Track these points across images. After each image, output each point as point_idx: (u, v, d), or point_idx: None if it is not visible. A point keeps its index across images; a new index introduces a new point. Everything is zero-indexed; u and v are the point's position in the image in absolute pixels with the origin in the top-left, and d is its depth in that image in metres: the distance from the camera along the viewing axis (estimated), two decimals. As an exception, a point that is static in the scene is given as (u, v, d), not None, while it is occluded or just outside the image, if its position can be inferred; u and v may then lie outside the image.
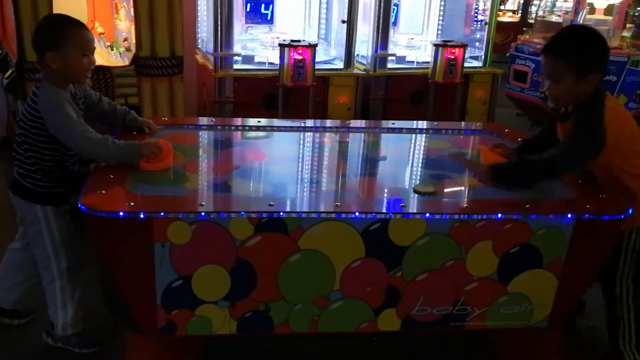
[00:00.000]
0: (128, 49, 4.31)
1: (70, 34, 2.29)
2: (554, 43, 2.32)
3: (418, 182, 2.66)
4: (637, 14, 6.64)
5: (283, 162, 2.83)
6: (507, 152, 2.65)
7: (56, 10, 3.83)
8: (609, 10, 6.54)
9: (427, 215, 2.12)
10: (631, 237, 2.45)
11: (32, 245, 2.52)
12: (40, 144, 2.34)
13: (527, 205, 2.20)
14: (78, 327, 2.58)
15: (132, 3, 3.91)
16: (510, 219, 2.17)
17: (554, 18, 7.65)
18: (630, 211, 2.23)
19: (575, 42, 2.30)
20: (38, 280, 2.61)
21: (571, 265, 2.27)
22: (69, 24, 2.33)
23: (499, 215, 2.15)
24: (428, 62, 4.96)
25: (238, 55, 4.54)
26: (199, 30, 5.18)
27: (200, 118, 3.88)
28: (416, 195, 2.35)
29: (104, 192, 2.06)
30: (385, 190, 2.59)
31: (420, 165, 2.92)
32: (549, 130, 2.62)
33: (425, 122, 3.59)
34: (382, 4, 4.75)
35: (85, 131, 2.29)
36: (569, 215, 2.18)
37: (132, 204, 1.98)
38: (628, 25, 6.74)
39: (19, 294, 2.71)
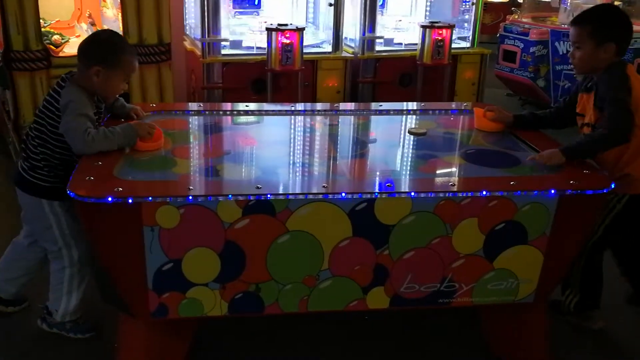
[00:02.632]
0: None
1: (125, 60, 2.41)
2: (581, 14, 2.61)
3: (409, 159, 2.74)
4: (624, -8, 6.67)
5: (272, 146, 2.84)
6: (500, 116, 2.83)
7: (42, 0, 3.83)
8: (596, -12, 6.54)
9: (412, 194, 2.14)
10: (612, 200, 2.55)
11: (42, 240, 2.55)
12: (54, 141, 2.37)
13: (511, 182, 2.24)
14: (76, 315, 2.61)
15: (118, -10, 3.91)
16: (494, 196, 2.19)
17: (542, -3, 7.65)
18: (613, 186, 2.27)
19: (597, 13, 2.61)
20: (38, 274, 2.63)
21: (556, 241, 2.30)
22: (127, 49, 2.47)
23: (484, 192, 2.18)
24: (416, 44, 4.97)
25: (226, 40, 4.54)
26: (186, 16, 5.17)
27: (189, 104, 3.89)
28: (411, 136, 2.79)
29: (92, 178, 2.08)
30: (373, 171, 2.62)
31: (408, 145, 2.93)
32: (560, 109, 2.80)
33: (413, 103, 3.61)
34: (369, -13, 4.75)
35: (86, 133, 2.27)
36: (553, 191, 2.22)
37: (121, 189, 2.00)
38: (616, 3, 6.76)
39: (19, 286, 2.74)
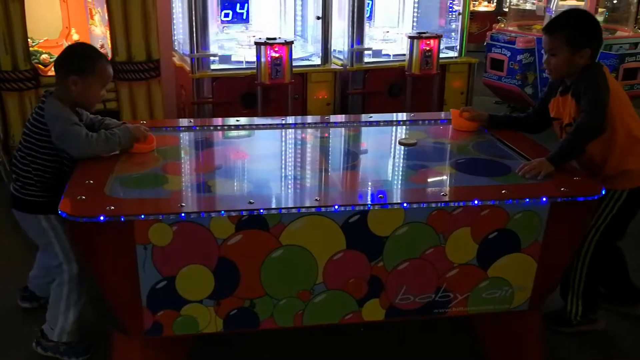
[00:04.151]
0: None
1: (99, 67, 2.48)
2: (552, 21, 2.69)
3: (400, 170, 2.75)
4: (608, -2, 6.74)
5: (264, 160, 2.84)
6: (476, 115, 2.97)
7: (30, 18, 3.82)
8: (580, -5, 6.63)
9: (405, 204, 2.15)
10: (614, 197, 2.58)
11: (44, 255, 2.62)
12: (45, 156, 2.44)
13: (502, 191, 2.25)
14: (73, 336, 2.59)
15: (106, 8, 3.91)
16: (486, 205, 2.20)
17: (528, 6, 7.73)
18: (604, 192, 2.29)
19: (568, 19, 2.63)
20: None
21: (549, 248, 2.31)
22: (100, 57, 2.55)
23: (476, 201, 2.19)
24: (404, 55, 5.00)
25: (215, 55, 4.55)
26: (175, 32, 5.17)
27: (179, 119, 3.88)
28: (402, 146, 2.84)
29: (83, 197, 2.07)
30: (365, 183, 2.62)
31: (399, 156, 2.95)
32: (531, 116, 2.90)
33: (402, 114, 3.62)
34: (356, -1, 4.77)
35: (89, 136, 2.42)
36: (544, 199, 2.23)
37: (112, 208, 2.00)
38: (600, 10, 6.83)
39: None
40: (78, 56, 2.52)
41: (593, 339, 2.83)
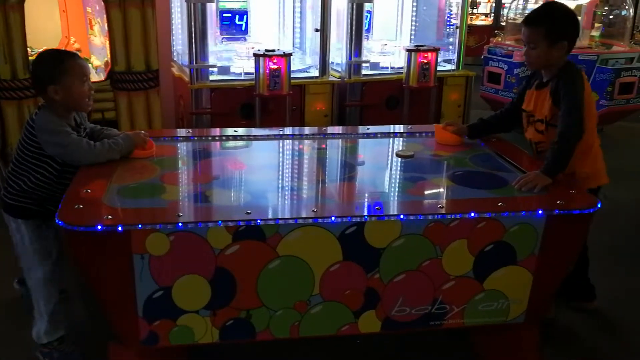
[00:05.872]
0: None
1: (66, 65, 2.44)
2: (531, 14, 2.73)
3: (397, 182, 2.76)
4: (604, 13, 6.79)
5: (261, 170, 2.85)
6: (458, 129, 3.06)
7: (29, 28, 3.84)
8: (577, 10, 6.66)
9: (402, 216, 2.16)
10: None
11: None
12: (35, 167, 2.45)
13: (499, 204, 2.26)
14: (50, 337, 2.59)
15: (106, 18, 3.93)
16: (483, 218, 2.21)
17: (525, 20, 7.77)
18: (599, 205, 2.30)
19: (547, 12, 2.69)
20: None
21: (545, 261, 2.32)
22: (63, 55, 2.51)
23: (472, 214, 2.20)
24: (402, 67, 5.03)
25: (213, 66, 4.57)
26: (174, 43, 5.20)
27: (177, 130, 3.89)
28: (398, 158, 2.87)
29: (81, 206, 2.07)
30: (362, 194, 2.63)
31: (396, 168, 2.96)
32: (509, 110, 2.95)
33: (400, 126, 3.64)
34: (354, 12, 4.81)
35: (88, 144, 2.47)
36: (540, 212, 2.24)
37: (110, 217, 2.00)
38: (596, 25, 6.89)
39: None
40: (45, 65, 2.47)
41: (588, 349, 2.83)
